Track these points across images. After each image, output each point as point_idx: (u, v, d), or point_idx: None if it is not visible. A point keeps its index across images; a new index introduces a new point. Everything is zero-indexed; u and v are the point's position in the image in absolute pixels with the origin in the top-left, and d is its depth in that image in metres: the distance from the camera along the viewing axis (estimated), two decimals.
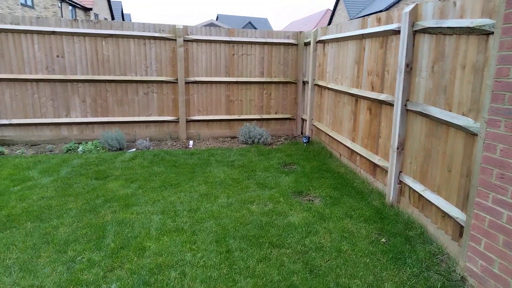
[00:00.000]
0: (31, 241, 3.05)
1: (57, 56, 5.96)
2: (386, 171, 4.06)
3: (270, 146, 6.53)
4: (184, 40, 6.42)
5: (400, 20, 3.77)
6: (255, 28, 42.78)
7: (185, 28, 6.45)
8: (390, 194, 3.89)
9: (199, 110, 6.84)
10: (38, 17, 5.79)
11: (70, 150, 5.84)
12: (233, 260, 2.86)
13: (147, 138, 6.49)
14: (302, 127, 7.43)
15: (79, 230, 3.27)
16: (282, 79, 7.13)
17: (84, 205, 3.80)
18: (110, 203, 3.88)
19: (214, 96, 6.87)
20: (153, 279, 2.60)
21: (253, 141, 6.61)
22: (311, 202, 4.08)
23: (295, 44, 7.05)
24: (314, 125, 6.68)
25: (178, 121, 6.72)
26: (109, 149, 5.96)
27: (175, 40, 6.38)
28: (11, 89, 5.85)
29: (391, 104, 3.98)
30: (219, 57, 6.72)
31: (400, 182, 3.81)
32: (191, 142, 6.62)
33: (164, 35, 6.32)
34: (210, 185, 4.51)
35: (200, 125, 6.91)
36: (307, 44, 6.86)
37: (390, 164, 3.90)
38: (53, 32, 5.84)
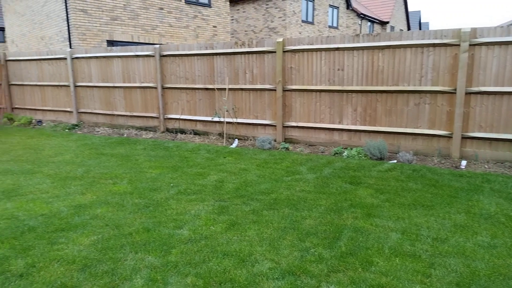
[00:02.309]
0: (283, 224, 3.65)
1: (338, 69, 6.70)
2: None
3: None
4: (469, 45, 5.55)
5: None
6: None
7: (473, 30, 5.55)
8: None
9: (480, 126, 5.74)
10: (328, 36, 6.71)
11: (337, 153, 6.45)
12: None
13: (411, 152, 6.13)
14: None
15: (321, 226, 3.59)
16: None
17: (331, 205, 4.13)
18: (354, 208, 4.01)
19: (505, 110, 5.54)
20: None
21: None
22: None
23: None
24: None
25: (451, 137, 5.92)
26: (370, 157, 6.11)
27: (458, 45, 5.63)
28: (301, 98, 7.14)
29: None
30: None
31: None
32: (463, 162, 5.67)
33: (445, 41, 5.72)
34: (472, 216, 3.73)
35: (479, 144, 5.79)
36: None
37: None
38: (337, 48, 6.60)
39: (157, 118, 8.97)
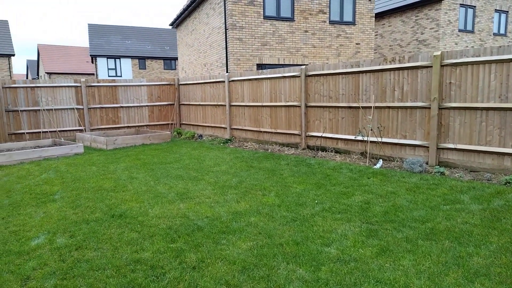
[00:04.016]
0: (444, 258, 3.25)
1: None
2: None
3: None
4: None
5: None
6: None
7: None
8: None
9: None
10: (500, 47, 5.79)
11: (508, 183, 5.42)
12: None
13: None
14: None
15: (493, 267, 3.06)
16: None
17: (506, 244, 3.48)
18: None
19: None
20: None
21: None
22: None
23: None
24: None
25: None
26: None
27: None
28: (461, 117, 6.32)
29: None
30: None
31: None
32: None
33: None
34: None
35: None
36: None
37: None
38: None
39: (299, 135, 9.30)
